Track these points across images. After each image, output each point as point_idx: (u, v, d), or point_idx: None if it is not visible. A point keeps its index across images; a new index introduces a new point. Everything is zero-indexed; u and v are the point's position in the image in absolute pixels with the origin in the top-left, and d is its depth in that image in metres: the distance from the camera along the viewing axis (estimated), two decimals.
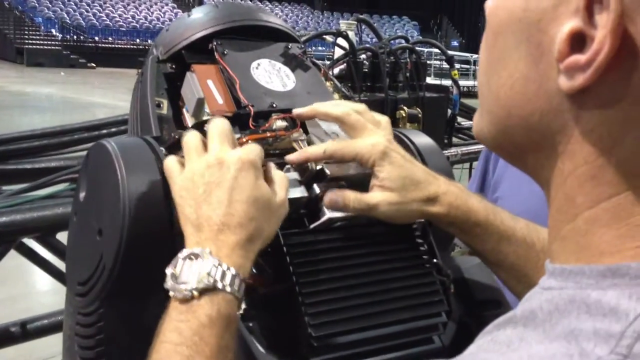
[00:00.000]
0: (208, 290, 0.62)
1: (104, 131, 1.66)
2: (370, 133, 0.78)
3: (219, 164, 0.68)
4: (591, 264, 0.44)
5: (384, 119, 0.82)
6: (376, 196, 0.77)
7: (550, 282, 0.46)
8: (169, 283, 0.63)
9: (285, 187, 0.72)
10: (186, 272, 0.62)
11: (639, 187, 0.43)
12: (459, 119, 2.72)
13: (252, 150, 0.70)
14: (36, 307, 3.46)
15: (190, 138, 0.72)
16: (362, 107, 0.82)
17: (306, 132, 0.83)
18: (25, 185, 1.42)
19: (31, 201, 1.33)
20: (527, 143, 0.49)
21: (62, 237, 1.34)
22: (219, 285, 0.62)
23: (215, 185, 0.67)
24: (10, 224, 1.24)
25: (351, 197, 0.76)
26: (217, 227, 0.65)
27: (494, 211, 0.80)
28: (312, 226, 0.77)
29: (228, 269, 0.63)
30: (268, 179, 0.72)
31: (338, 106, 0.81)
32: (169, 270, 0.63)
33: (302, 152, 0.78)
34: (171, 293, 0.62)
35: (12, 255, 1.59)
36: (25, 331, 1.55)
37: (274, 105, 0.83)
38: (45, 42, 24.68)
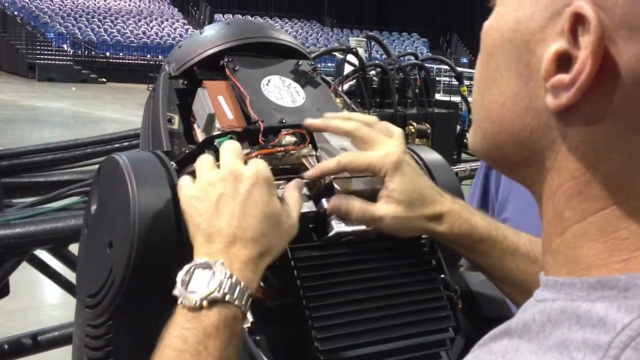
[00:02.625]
0: (217, 301, 0.62)
1: (116, 145, 1.67)
2: (382, 144, 0.79)
3: (234, 177, 0.69)
4: (581, 276, 0.45)
5: (398, 130, 0.83)
6: (382, 208, 0.77)
7: (543, 294, 0.47)
8: (178, 290, 0.63)
9: (298, 208, 0.73)
10: (196, 281, 0.63)
11: (623, 202, 0.45)
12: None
13: (266, 167, 0.71)
14: (46, 319, 3.47)
15: (204, 157, 0.73)
16: (373, 119, 0.83)
17: (315, 148, 0.84)
18: (38, 198, 1.43)
19: (44, 213, 1.34)
20: (518, 158, 0.51)
21: (75, 249, 1.36)
22: (228, 298, 0.63)
23: (229, 197, 0.68)
24: (24, 236, 1.25)
25: (356, 205, 0.77)
26: (228, 239, 0.66)
27: (496, 227, 0.81)
28: (320, 240, 0.78)
29: (238, 282, 0.64)
30: (282, 198, 0.72)
31: (349, 121, 0.81)
32: (179, 277, 0.64)
33: (317, 168, 0.79)
34: (180, 300, 0.63)
35: (23, 267, 1.60)
36: (36, 343, 1.56)
37: (284, 121, 0.84)
38: (57, 57, 24.91)
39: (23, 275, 1.84)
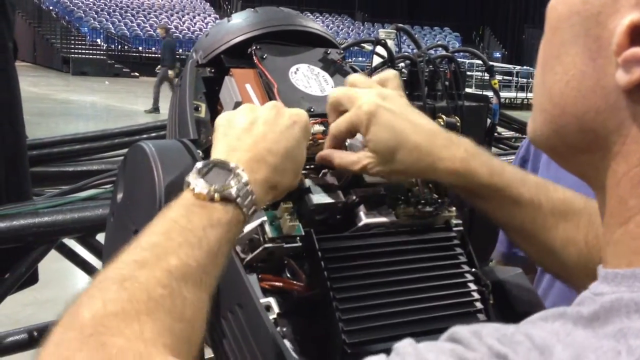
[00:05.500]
0: (229, 200, 0.62)
1: (144, 136, 1.68)
2: (358, 99, 0.74)
3: (277, 110, 0.70)
4: None
5: (390, 74, 0.79)
6: (363, 155, 0.74)
7: (602, 287, 0.44)
8: (192, 177, 0.62)
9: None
10: (214, 175, 0.62)
11: None
12: (499, 129, 2.68)
13: (306, 116, 0.72)
14: None
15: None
16: (357, 77, 0.79)
17: None
18: (67, 188, 1.44)
19: (72, 202, 1.35)
20: (580, 144, 0.48)
21: (102, 238, 1.36)
22: (240, 201, 0.62)
23: (266, 122, 0.68)
24: (52, 224, 1.26)
25: (335, 154, 0.76)
26: (253, 154, 0.66)
27: (500, 172, 0.77)
28: (348, 232, 0.76)
29: (251, 193, 0.63)
30: None
31: (335, 126, 0.77)
32: (195, 167, 0.63)
33: (319, 157, 0.78)
34: (192, 186, 0.62)
35: (55, 258, 1.62)
36: None
37: (312, 109, 0.83)
38: (91, 52, 25.22)
39: (54, 266, 1.86)
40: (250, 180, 0.63)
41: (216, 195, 0.61)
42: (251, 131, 0.67)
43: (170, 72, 13.87)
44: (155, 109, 13.64)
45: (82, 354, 0.46)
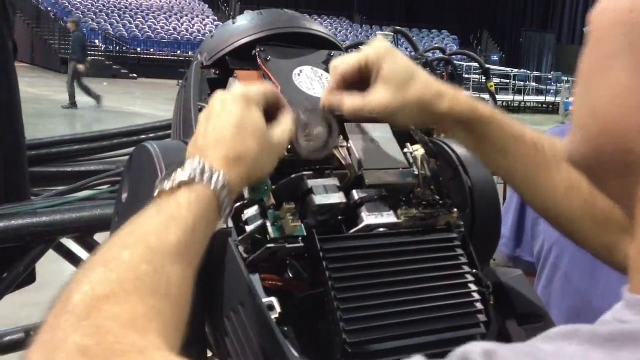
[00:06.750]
0: (187, 184, 0.63)
1: (142, 137, 1.69)
2: (368, 47, 0.77)
3: (217, 103, 0.71)
4: None
5: (380, 38, 0.82)
6: (374, 93, 0.75)
7: (625, 314, 0.42)
8: (155, 185, 0.64)
9: (286, 128, 0.73)
10: (171, 176, 0.64)
11: None
12: None
13: (251, 88, 0.72)
14: None
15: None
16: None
17: (346, 139, 0.83)
18: (65, 188, 1.45)
19: (70, 202, 1.35)
20: (616, 166, 0.45)
21: (101, 238, 1.37)
22: (197, 179, 0.63)
23: (206, 119, 0.70)
24: (50, 224, 1.26)
25: (348, 100, 0.76)
26: (201, 147, 0.67)
27: (502, 114, 0.78)
28: (350, 232, 0.77)
29: (210, 169, 0.64)
30: (276, 120, 0.73)
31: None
32: (160, 177, 0.65)
33: (324, 100, 0.78)
34: (155, 193, 0.63)
35: (55, 259, 1.61)
36: None
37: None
38: (89, 53, 25.23)
39: (53, 267, 1.86)
40: (206, 162, 0.64)
41: (174, 184, 0.62)
42: (198, 133, 0.69)
43: (80, 67, 13.86)
44: (73, 104, 13.70)
45: (77, 335, 0.46)
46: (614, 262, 0.78)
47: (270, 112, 0.73)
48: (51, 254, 1.60)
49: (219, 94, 0.72)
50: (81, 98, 14.05)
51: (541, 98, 25.28)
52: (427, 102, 0.75)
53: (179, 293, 0.56)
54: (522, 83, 25.25)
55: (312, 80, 0.88)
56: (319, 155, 0.77)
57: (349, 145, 0.82)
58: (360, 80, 0.77)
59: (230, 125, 0.68)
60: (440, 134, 1.09)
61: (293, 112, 0.75)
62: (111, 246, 0.57)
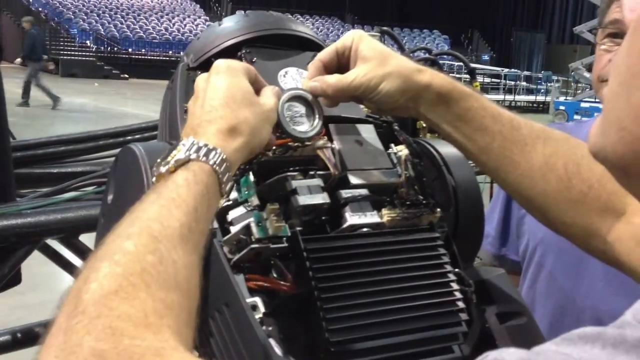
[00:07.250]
0: (184, 163, 0.63)
1: (128, 137, 1.68)
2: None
3: (205, 80, 0.71)
4: None
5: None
6: (354, 71, 0.78)
7: None
8: (153, 172, 0.64)
9: (273, 94, 0.74)
10: (167, 159, 0.64)
11: None
12: None
13: (233, 61, 0.73)
14: None
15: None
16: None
17: (331, 140, 0.84)
18: (50, 189, 1.44)
19: (55, 203, 1.35)
20: None
21: (86, 239, 1.37)
22: (193, 157, 0.63)
23: (196, 98, 0.70)
24: (35, 225, 1.26)
25: (330, 79, 0.78)
26: (194, 125, 0.67)
27: (479, 94, 0.80)
28: (333, 233, 0.78)
29: (205, 145, 0.64)
30: (260, 92, 0.74)
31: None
32: (157, 160, 0.65)
33: (312, 84, 0.80)
34: (153, 179, 0.64)
35: (43, 261, 1.61)
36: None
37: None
38: (80, 53, 25.13)
39: (42, 270, 1.85)
40: (200, 139, 0.64)
41: (171, 165, 0.62)
42: (192, 112, 0.70)
43: (50, 65, 13.96)
44: (25, 102, 13.81)
45: (92, 338, 0.46)
46: (590, 247, 0.79)
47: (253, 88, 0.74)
48: (39, 257, 1.60)
49: (201, 74, 0.73)
50: (72, 99, 13.98)
51: (531, 97, 25.40)
52: (408, 74, 0.77)
53: (186, 280, 0.55)
54: (512, 82, 25.36)
55: (297, 81, 0.88)
56: (305, 136, 0.77)
57: (333, 145, 0.83)
58: (338, 68, 0.80)
59: (218, 98, 0.68)
60: (425, 134, 1.10)
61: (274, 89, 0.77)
62: (115, 237, 0.56)
